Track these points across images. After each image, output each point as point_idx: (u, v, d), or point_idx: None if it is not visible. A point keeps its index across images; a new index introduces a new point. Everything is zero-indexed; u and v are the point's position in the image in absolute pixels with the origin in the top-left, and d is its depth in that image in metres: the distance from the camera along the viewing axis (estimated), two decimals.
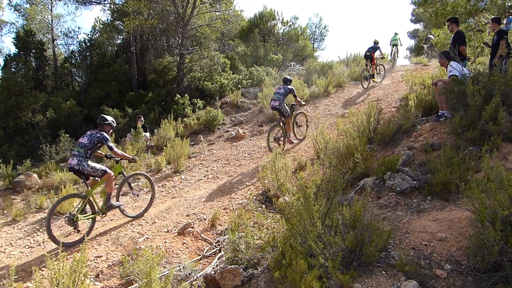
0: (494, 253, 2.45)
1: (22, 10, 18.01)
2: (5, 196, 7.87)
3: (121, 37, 18.32)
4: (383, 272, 2.80)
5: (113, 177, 5.63)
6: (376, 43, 13.20)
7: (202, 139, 11.03)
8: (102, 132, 5.55)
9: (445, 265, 2.78)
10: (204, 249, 4.73)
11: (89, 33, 18.55)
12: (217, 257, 4.32)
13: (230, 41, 20.82)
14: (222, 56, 16.22)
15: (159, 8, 14.86)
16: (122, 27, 16.85)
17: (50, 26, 18.02)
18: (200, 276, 3.85)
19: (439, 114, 5.98)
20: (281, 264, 2.99)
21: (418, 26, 29.72)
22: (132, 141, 9.99)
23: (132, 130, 10.45)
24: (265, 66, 17.06)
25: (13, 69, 14.47)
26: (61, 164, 10.56)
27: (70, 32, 18.57)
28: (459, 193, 3.69)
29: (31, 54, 16.03)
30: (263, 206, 5.31)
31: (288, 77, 8.83)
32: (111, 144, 5.56)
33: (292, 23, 22.06)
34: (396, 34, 17.23)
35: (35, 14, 17.73)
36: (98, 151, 5.80)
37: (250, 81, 15.57)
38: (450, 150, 4.19)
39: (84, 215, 5.42)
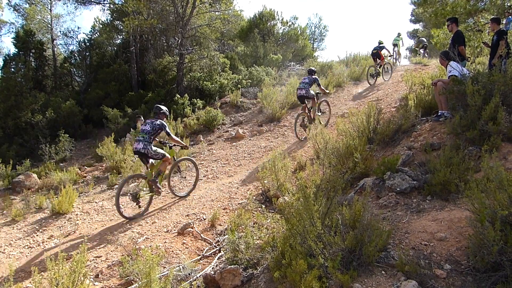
0: (493, 253, 2.45)
1: (21, 10, 17.97)
2: (5, 196, 7.87)
3: (121, 37, 18.28)
4: (383, 272, 2.81)
5: (170, 161, 6.51)
6: (380, 43, 13.46)
7: (202, 139, 11.02)
8: (161, 120, 6.25)
9: (445, 265, 2.78)
10: (203, 249, 4.73)
11: (89, 33, 18.50)
12: (216, 257, 4.32)
13: (230, 41, 20.79)
14: (221, 56, 16.20)
15: (159, 8, 14.84)
16: (121, 27, 16.80)
17: (49, 26, 17.97)
18: (199, 276, 3.85)
19: (439, 114, 5.98)
20: (281, 264, 2.99)
21: (418, 26, 29.73)
22: (132, 141, 9.98)
23: (131, 130, 10.45)
24: (264, 66, 17.05)
25: (12, 69, 14.44)
26: (61, 164, 10.55)
27: (69, 32, 18.52)
28: (459, 193, 3.69)
29: (31, 54, 15.98)
30: (263, 206, 5.31)
31: (313, 68, 9.56)
32: (169, 131, 6.29)
33: (292, 23, 22.06)
34: (399, 34, 17.19)
35: (35, 14, 17.69)
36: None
37: (250, 81, 15.56)
38: (450, 150, 4.19)
39: (145, 192, 6.24)
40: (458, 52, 6.16)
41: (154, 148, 6.08)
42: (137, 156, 6.34)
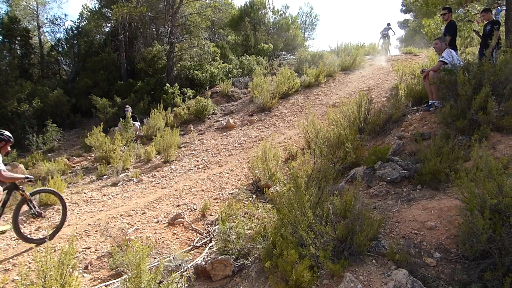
0: (482, 241, 2.48)
1: None
2: None
3: (110, 25, 17.80)
4: (374, 261, 2.82)
5: None
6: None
7: (192, 129, 10.94)
8: None
9: (435, 253, 2.80)
10: (194, 239, 4.72)
11: (76, 21, 18.00)
12: (207, 247, 4.31)
13: (221, 30, 20.54)
14: (212, 45, 16.01)
15: None
16: (110, 15, 16.35)
17: (35, 12, 17.47)
18: (190, 266, 3.84)
19: (429, 103, 5.99)
20: (272, 254, 2.98)
21: (408, 16, 29.71)
22: (122, 131, 9.85)
23: (121, 119, 10.29)
24: (255, 56, 16.92)
25: None
26: (49, 154, 10.38)
27: (56, 19, 17.97)
28: (449, 182, 3.72)
29: (16, 42, 15.57)
30: (254, 196, 5.31)
31: (389, 22, 17.34)
32: None
33: (283, 12, 21.79)
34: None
35: (20, 0, 17.19)
36: None
37: (241, 70, 15.46)
38: (440, 139, 4.22)
39: None
40: (449, 42, 6.15)
41: None
42: None
